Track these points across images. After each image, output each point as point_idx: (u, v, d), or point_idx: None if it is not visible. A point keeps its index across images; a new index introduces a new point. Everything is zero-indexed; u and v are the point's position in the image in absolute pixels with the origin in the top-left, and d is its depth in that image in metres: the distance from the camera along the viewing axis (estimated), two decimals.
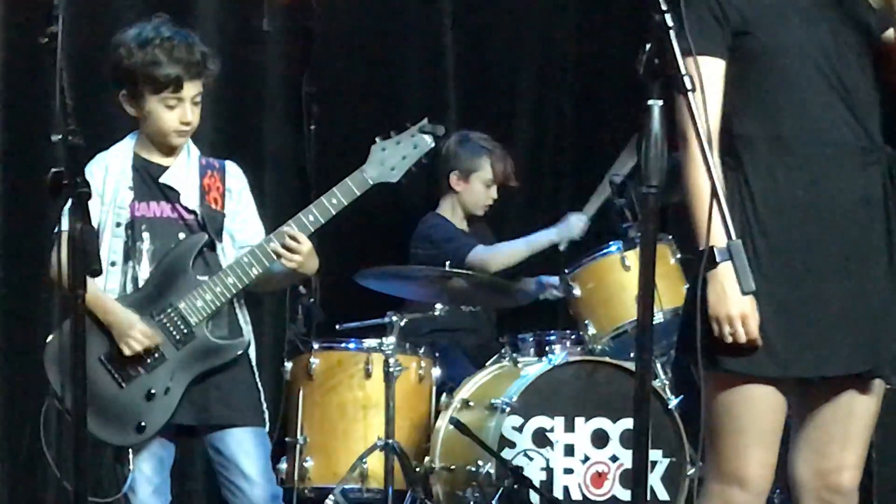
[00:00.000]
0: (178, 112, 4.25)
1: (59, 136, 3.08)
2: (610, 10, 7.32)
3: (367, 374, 5.83)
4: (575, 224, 6.34)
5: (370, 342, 5.88)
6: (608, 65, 7.21)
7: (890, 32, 3.53)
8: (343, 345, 6.03)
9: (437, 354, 6.17)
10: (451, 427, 5.81)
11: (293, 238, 4.20)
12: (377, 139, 4.29)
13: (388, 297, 6.13)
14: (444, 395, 6.00)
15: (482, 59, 7.49)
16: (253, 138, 6.11)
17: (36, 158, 5.72)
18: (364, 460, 5.76)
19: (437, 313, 6.00)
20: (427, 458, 5.84)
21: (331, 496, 5.75)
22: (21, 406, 5.79)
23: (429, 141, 4.42)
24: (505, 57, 7.46)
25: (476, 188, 6.44)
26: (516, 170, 6.63)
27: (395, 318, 5.85)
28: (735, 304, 3.34)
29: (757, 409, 3.51)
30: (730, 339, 3.41)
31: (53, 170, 3.06)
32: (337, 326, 6.21)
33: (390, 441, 5.63)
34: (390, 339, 5.74)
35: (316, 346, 5.94)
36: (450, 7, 7.42)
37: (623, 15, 7.06)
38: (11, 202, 6.21)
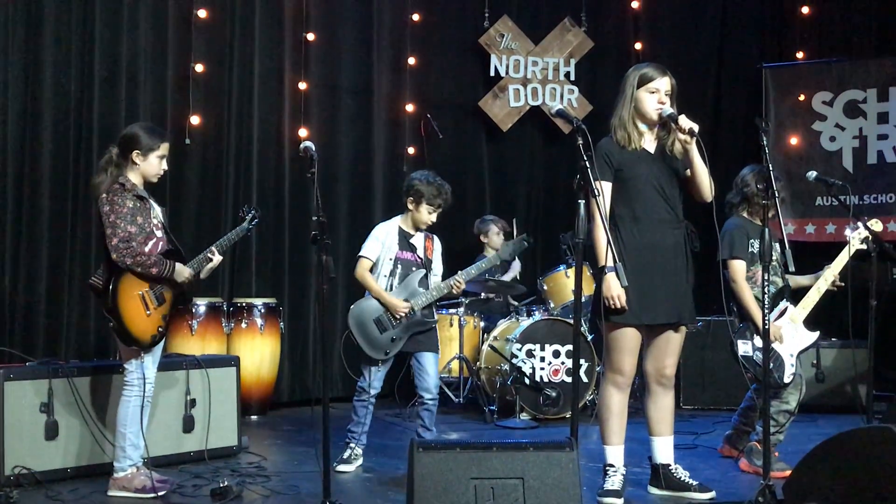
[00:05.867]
0: (431, 217, 5.43)
1: (315, 217, 4.12)
2: (562, 151, 9.11)
3: (451, 324, 7.58)
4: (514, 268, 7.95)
5: (452, 310, 7.66)
6: (562, 182, 9.07)
7: (688, 171, 4.53)
8: (440, 311, 7.48)
9: (482, 315, 7.89)
10: (489, 348, 7.39)
11: (459, 281, 5.44)
12: (504, 241, 5.80)
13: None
14: (485, 334, 7.66)
15: (507, 190, 9.29)
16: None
17: (307, 227, 7.56)
18: (450, 363, 7.56)
19: (482, 297, 7.86)
20: (478, 363, 7.44)
21: None
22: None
23: (524, 244, 5.60)
24: (512, 184, 9.35)
25: (494, 239, 8.00)
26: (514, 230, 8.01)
27: (463, 300, 7.59)
28: (615, 290, 4.34)
29: (627, 338, 4.52)
30: (613, 306, 4.41)
31: (313, 232, 4.10)
32: (438, 303, 6.66)
33: (461, 355, 7.46)
34: (461, 309, 7.58)
35: None
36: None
37: (567, 155, 8.64)
38: (300, 250, 8.00)
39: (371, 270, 5.47)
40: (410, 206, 5.47)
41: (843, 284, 5.35)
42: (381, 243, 5.45)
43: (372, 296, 5.41)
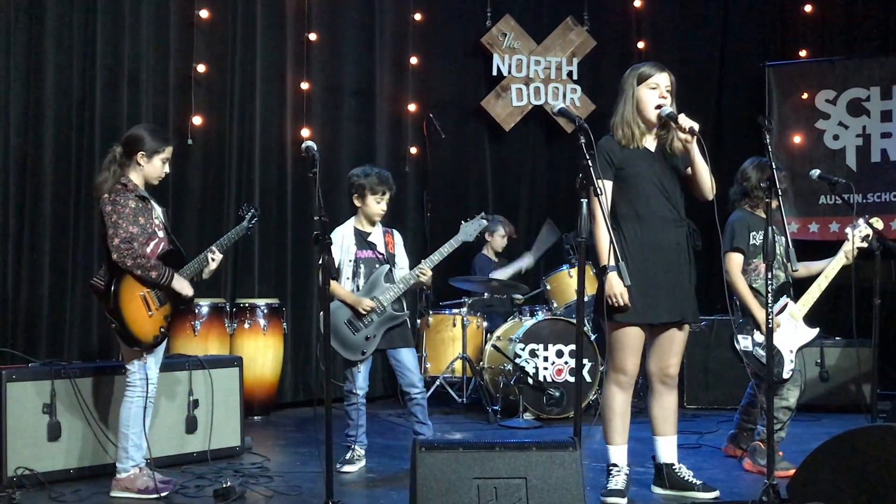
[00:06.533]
0: (380, 206, 5.46)
1: (317, 217, 4.06)
2: (564, 150, 9.23)
3: (454, 325, 7.67)
4: (526, 257, 8.16)
5: (455, 310, 7.74)
6: (564, 181, 9.18)
7: (689, 170, 4.55)
8: (443, 311, 7.83)
9: (485, 315, 7.91)
10: (492, 348, 7.43)
11: (423, 269, 5.43)
12: (462, 221, 5.58)
13: (463, 290, 7.83)
14: (488, 334, 7.72)
15: (510, 190, 9.40)
16: (398, 219, 6.77)
17: (309, 226, 7.60)
18: (452, 363, 7.60)
19: (485, 297, 7.91)
20: (481, 363, 7.48)
21: (438, 380, 7.59)
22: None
23: (484, 223, 5.68)
24: (514, 184, 9.44)
25: (497, 241, 8.33)
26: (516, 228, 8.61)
27: (466, 300, 7.76)
28: (617, 288, 4.34)
29: (629, 337, 4.52)
30: (616, 305, 4.43)
31: (315, 232, 4.06)
32: (440, 303, 7.98)
33: (464, 355, 7.49)
34: (464, 309, 7.64)
35: (430, 312, 7.78)
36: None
37: (569, 154, 8.73)
38: (303, 250, 8.05)
39: (336, 277, 5.45)
40: (358, 203, 5.51)
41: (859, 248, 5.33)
42: (337, 247, 5.44)
43: (337, 299, 5.39)
